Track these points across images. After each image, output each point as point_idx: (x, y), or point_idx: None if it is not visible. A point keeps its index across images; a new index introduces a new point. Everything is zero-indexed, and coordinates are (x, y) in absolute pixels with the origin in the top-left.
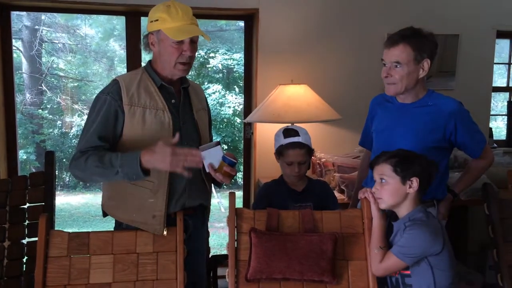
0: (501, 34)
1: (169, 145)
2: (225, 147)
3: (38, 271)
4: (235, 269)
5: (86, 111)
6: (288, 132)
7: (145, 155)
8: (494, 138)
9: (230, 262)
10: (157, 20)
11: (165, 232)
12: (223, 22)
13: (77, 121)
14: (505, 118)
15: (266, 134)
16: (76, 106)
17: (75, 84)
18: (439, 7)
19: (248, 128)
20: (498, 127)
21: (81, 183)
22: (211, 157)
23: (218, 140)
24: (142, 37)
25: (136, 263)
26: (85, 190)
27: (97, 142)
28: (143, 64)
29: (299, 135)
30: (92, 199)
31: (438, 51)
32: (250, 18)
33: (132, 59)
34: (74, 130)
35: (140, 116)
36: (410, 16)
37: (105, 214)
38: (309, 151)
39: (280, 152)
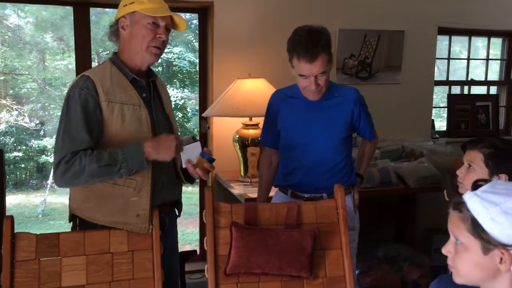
0: (442, 31)
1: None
2: None
3: (5, 276)
4: (213, 265)
5: (16, 107)
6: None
7: (148, 145)
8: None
9: (209, 257)
10: (132, 2)
11: (150, 230)
12: None
13: (5, 117)
14: (445, 111)
15: (223, 128)
16: (3, 102)
17: (2, 78)
18: (385, 3)
19: (204, 122)
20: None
21: (10, 183)
22: (190, 153)
23: (193, 135)
24: (109, 25)
25: (111, 263)
26: (16, 191)
27: (85, 143)
28: (93, 54)
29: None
30: (24, 200)
31: None
32: (204, 11)
33: (81, 51)
34: (2, 126)
35: (119, 113)
36: (359, 12)
37: (72, 218)
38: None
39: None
